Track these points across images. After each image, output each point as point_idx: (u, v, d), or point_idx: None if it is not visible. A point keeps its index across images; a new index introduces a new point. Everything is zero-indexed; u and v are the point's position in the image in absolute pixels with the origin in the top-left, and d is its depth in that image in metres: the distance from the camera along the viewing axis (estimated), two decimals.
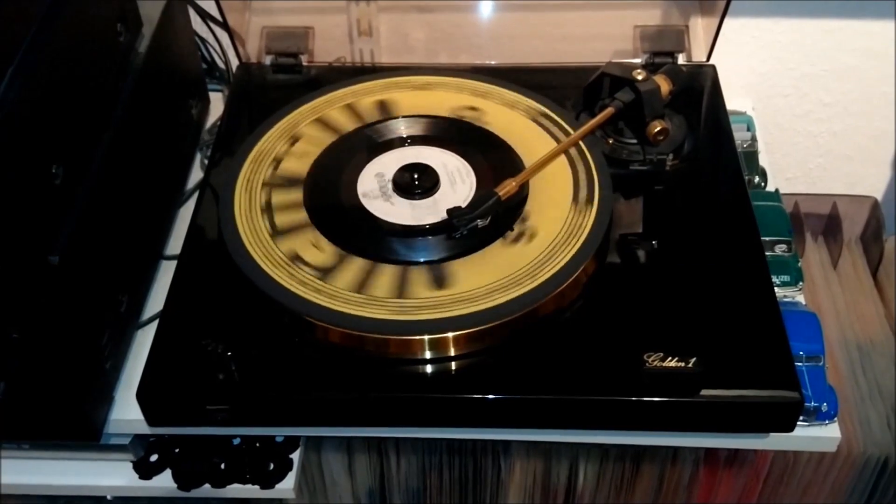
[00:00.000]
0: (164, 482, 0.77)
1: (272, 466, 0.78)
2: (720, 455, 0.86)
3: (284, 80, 0.88)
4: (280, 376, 0.64)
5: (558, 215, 0.70)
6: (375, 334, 0.64)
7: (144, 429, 0.67)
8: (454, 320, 0.64)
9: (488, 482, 0.90)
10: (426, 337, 0.63)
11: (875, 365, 0.90)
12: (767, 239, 0.77)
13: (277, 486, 0.77)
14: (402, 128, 0.79)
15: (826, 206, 1.02)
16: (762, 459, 0.86)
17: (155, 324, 0.69)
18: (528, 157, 0.75)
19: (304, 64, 0.88)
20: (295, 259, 0.68)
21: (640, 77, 0.76)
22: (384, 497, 0.92)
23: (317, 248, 0.69)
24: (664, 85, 0.77)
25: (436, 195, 0.73)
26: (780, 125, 1.05)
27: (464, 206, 0.70)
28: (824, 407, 0.68)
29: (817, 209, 1.03)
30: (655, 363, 0.63)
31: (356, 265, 0.68)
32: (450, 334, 0.63)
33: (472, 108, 0.81)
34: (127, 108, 0.72)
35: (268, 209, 0.72)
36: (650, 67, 0.84)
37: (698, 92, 0.85)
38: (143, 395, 0.63)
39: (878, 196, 1.06)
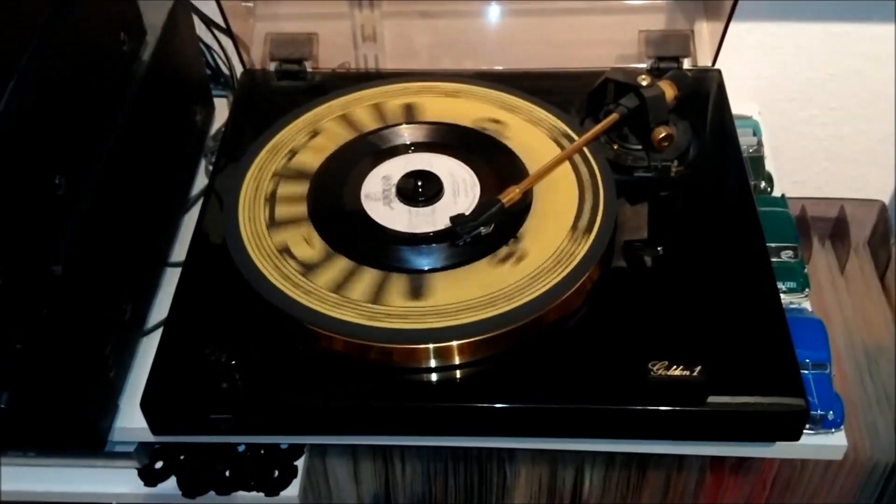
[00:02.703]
0: (169, 489, 0.77)
1: (277, 473, 0.78)
2: (726, 461, 0.85)
3: (289, 87, 0.88)
4: (284, 385, 0.64)
5: (562, 221, 0.70)
6: (380, 343, 0.63)
7: (149, 437, 0.67)
8: (459, 329, 0.63)
9: (493, 488, 0.90)
10: (431, 345, 0.63)
11: (882, 370, 0.89)
12: (773, 245, 0.77)
13: (282, 493, 0.77)
14: (405, 135, 0.79)
15: (833, 209, 1.02)
16: (768, 466, 0.86)
17: (160, 331, 0.68)
18: (532, 164, 0.75)
19: (309, 70, 0.88)
20: (298, 266, 0.68)
21: (644, 83, 0.76)
22: (389, 503, 0.92)
23: (321, 257, 0.69)
24: (669, 90, 0.76)
25: (440, 202, 0.73)
26: (786, 129, 1.04)
27: (467, 213, 0.70)
28: (830, 415, 0.68)
29: (824, 213, 1.02)
30: (660, 371, 0.63)
31: (360, 274, 0.68)
32: (454, 343, 0.63)
33: (476, 113, 0.80)
34: (130, 117, 0.72)
35: (272, 217, 0.72)
36: (655, 72, 0.83)
37: (704, 97, 0.85)
38: (146, 405, 0.63)
39: (886, 199, 1.06)
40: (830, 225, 1.02)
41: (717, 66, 0.87)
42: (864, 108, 1.01)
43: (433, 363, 0.64)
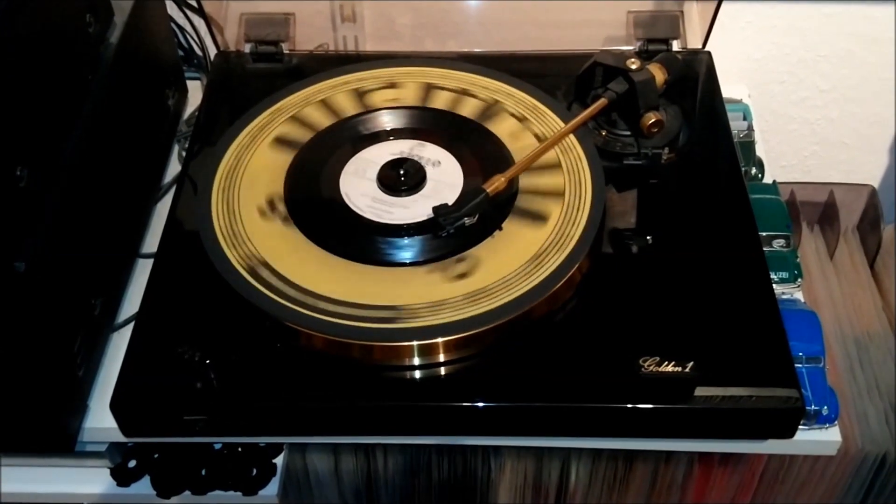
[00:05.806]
0: (142, 489, 0.75)
1: (255, 472, 0.76)
2: (715, 454, 0.84)
3: (265, 69, 0.85)
4: (261, 384, 0.61)
5: (549, 212, 0.68)
6: (361, 341, 0.61)
7: (121, 437, 0.64)
8: (442, 326, 0.61)
9: (478, 482, 0.88)
10: (414, 343, 0.61)
11: (873, 359, 0.88)
12: (765, 234, 0.75)
13: (261, 492, 0.75)
14: (386, 121, 0.76)
15: (822, 194, 1.00)
16: (758, 458, 0.84)
17: (131, 325, 0.66)
18: (517, 151, 0.72)
19: (285, 52, 0.85)
20: (275, 260, 0.65)
21: (633, 66, 0.73)
22: (371, 498, 0.90)
23: (297, 249, 0.66)
24: (659, 74, 0.74)
25: (422, 191, 0.70)
26: (776, 112, 1.02)
27: (450, 203, 0.67)
28: (825, 410, 0.66)
29: (813, 198, 1.00)
30: (651, 368, 0.60)
31: (339, 267, 0.65)
32: (439, 340, 0.61)
33: (460, 99, 0.78)
34: (98, 103, 0.69)
35: (247, 207, 0.69)
36: (644, 55, 0.81)
37: (693, 80, 0.82)
38: (116, 406, 0.61)
39: (876, 184, 1.04)
40: (819, 210, 1.01)
41: (707, 49, 0.85)
42: (856, 90, 0.99)
43: (416, 361, 0.62)
